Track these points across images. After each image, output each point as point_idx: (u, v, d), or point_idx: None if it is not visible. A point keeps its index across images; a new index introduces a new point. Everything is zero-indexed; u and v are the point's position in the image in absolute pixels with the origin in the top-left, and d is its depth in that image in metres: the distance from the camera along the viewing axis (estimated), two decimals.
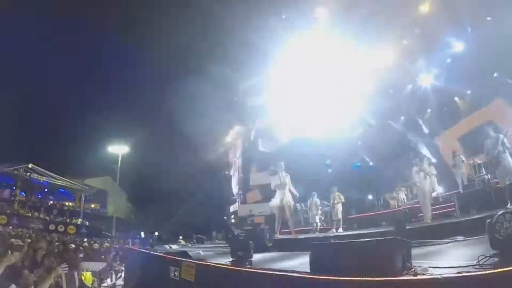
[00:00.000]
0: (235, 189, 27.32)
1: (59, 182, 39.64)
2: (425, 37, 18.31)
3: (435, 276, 3.40)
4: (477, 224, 6.75)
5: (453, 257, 4.43)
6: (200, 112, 23.79)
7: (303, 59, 22.22)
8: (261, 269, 5.30)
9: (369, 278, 3.48)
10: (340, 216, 14.75)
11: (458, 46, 19.01)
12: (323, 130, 22.02)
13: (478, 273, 3.33)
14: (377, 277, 3.44)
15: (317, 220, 15.68)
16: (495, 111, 17.91)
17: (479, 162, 14.51)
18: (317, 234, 13.87)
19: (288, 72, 23.04)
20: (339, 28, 19.67)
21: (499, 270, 3.20)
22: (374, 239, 4.68)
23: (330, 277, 3.81)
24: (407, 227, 8.70)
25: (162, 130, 37.35)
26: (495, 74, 18.81)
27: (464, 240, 6.38)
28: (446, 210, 13.35)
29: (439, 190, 15.55)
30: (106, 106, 43.01)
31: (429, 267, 3.95)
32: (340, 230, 14.59)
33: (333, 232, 13.95)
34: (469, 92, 20.51)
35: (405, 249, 4.01)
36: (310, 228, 16.04)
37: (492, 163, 10.76)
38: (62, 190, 43.41)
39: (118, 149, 44.32)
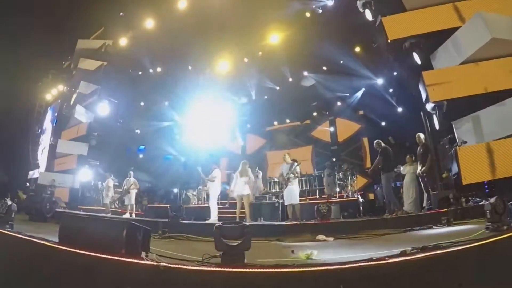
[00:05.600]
0: (40, 152, 24.89)
1: None
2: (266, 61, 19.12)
3: (153, 263, 3.54)
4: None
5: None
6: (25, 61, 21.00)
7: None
8: (19, 233, 5.26)
9: (98, 254, 3.62)
10: (133, 201, 14.70)
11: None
12: None
13: (192, 267, 3.52)
14: (107, 254, 3.60)
15: (107, 202, 15.27)
16: None
17: (275, 180, 16.01)
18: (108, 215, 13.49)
19: None
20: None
21: (213, 268, 3.44)
22: (116, 220, 4.86)
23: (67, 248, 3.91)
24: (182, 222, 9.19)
25: None
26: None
27: None
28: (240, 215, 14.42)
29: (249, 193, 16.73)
30: None
31: (159, 255, 4.08)
32: (133, 215, 14.49)
33: (126, 216, 13.85)
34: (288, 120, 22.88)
35: (143, 236, 4.16)
36: (103, 208, 15.44)
37: (282, 184, 11.90)
38: None
39: None
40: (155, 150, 23.59)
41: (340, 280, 3.13)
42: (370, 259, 3.52)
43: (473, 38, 9.69)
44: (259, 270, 3.13)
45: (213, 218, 11.60)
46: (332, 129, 21.24)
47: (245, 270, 3.18)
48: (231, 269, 3.21)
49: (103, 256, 3.58)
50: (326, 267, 3.25)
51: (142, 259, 3.73)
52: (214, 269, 3.38)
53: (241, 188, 11.59)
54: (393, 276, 3.36)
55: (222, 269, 3.32)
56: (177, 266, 3.49)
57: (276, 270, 3.11)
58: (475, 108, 10.05)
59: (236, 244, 3.86)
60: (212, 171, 12.56)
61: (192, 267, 3.48)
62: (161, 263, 3.50)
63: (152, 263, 3.54)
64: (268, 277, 3.08)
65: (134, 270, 3.49)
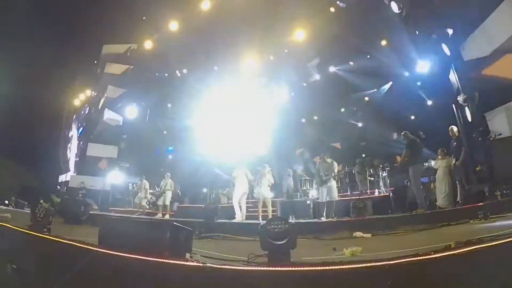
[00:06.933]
0: (70, 156, 25.44)
1: None
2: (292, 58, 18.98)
3: (199, 264, 3.53)
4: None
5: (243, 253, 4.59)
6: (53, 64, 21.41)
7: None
8: (58, 237, 5.15)
9: (140, 257, 3.60)
10: (167, 202, 14.76)
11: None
12: None
13: (239, 267, 3.53)
14: (151, 256, 3.56)
15: (144, 203, 15.47)
16: None
17: (306, 178, 15.94)
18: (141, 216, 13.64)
19: None
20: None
21: (261, 268, 3.45)
22: (157, 221, 4.82)
23: (105, 250, 3.93)
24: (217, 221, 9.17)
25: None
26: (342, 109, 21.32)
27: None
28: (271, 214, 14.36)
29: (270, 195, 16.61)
30: None
31: (203, 256, 4.10)
32: (167, 216, 14.61)
33: (159, 217, 14.00)
34: (316, 117, 22.63)
35: (185, 237, 4.14)
36: (135, 209, 15.66)
37: (322, 182, 11.71)
38: None
39: None
40: (184, 151, 23.80)
41: (388, 276, 3.11)
42: (416, 254, 3.48)
43: (503, 26, 9.45)
44: (307, 268, 3.10)
45: (238, 217, 11.54)
46: (360, 124, 20.99)
47: (294, 268, 3.14)
48: (280, 268, 3.18)
49: (147, 258, 3.58)
50: (374, 263, 3.20)
51: (187, 260, 3.72)
52: (263, 268, 3.37)
53: (263, 190, 12.31)
54: (440, 270, 3.32)
55: (271, 268, 3.30)
56: (224, 266, 3.47)
57: (324, 268, 3.07)
58: (507, 98, 9.81)
59: (282, 243, 3.83)
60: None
61: (240, 267, 3.48)
62: (207, 264, 3.49)
63: (198, 264, 3.53)
64: (316, 275, 3.03)
65: (180, 271, 3.47)
